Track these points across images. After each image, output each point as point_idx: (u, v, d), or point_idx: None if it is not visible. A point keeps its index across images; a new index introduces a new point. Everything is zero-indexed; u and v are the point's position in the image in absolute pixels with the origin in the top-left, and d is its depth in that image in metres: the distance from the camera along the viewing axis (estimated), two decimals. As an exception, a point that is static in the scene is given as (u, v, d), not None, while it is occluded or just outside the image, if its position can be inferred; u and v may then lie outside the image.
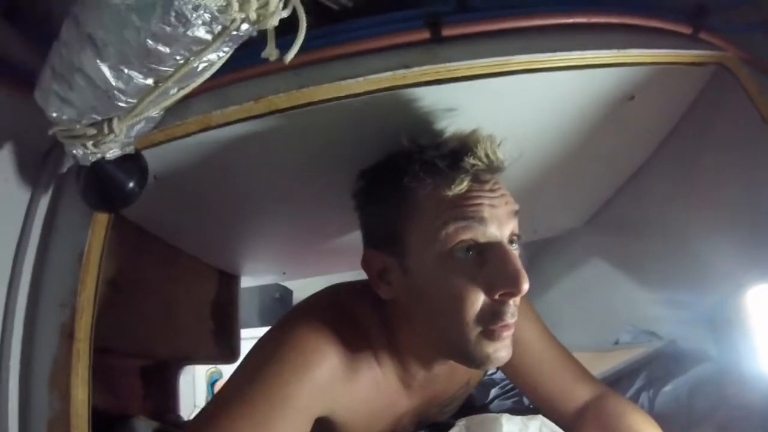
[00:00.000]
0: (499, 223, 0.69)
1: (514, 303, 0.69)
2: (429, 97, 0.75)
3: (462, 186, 0.68)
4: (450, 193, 0.68)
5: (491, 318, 0.68)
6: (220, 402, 0.69)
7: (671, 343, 1.15)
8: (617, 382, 1.08)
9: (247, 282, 1.51)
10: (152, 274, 1.14)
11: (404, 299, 0.74)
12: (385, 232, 0.74)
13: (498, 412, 1.05)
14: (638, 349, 1.17)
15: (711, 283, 1.05)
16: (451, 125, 0.79)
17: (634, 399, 1.02)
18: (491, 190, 0.71)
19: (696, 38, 0.80)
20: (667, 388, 0.99)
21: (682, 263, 1.13)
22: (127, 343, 1.05)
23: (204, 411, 0.70)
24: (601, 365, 1.16)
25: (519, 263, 0.68)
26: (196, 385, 2.18)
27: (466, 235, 0.67)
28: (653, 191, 1.17)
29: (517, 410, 1.06)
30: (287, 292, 2.39)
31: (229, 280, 1.42)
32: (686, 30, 0.79)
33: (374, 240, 0.77)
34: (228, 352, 1.43)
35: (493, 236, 0.69)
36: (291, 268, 1.46)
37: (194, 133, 0.72)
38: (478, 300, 0.68)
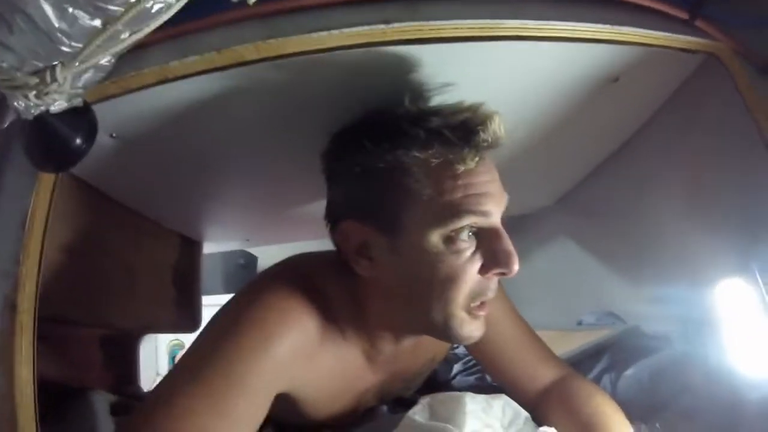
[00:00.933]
0: (498, 209, 0.68)
1: (497, 280, 0.71)
2: (409, 60, 0.70)
3: (472, 163, 0.65)
4: (461, 169, 0.65)
5: (477, 296, 0.69)
6: (175, 379, 0.65)
7: (635, 328, 1.15)
8: (579, 363, 1.08)
9: (209, 248, 1.46)
10: (111, 240, 1.09)
11: (386, 276, 0.71)
12: (373, 206, 0.69)
13: (461, 389, 1.04)
14: (601, 332, 1.17)
15: (680, 273, 1.04)
16: (434, 92, 0.75)
17: (596, 381, 1.01)
18: (490, 171, 0.69)
19: (691, 25, 0.77)
20: (629, 371, 0.99)
21: (652, 250, 1.13)
22: (85, 312, 1.00)
23: (158, 388, 0.66)
24: (564, 345, 1.15)
25: (511, 244, 0.69)
26: (158, 354, 2.13)
27: (473, 221, 0.66)
28: (629, 175, 1.16)
29: (480, 387, 1.05)
30: (252, 259, 2.34)
31: (191, 246, 1.38)
32: (683, 15, 0.76)
33: (355, 211, 0.71)
34: (189, 321, 1.40)
35: (494, 221, 0.68)
36: (255, 234, 1.43)
37: (151, 85, 0.66)
38: (473, 279, 0.68)
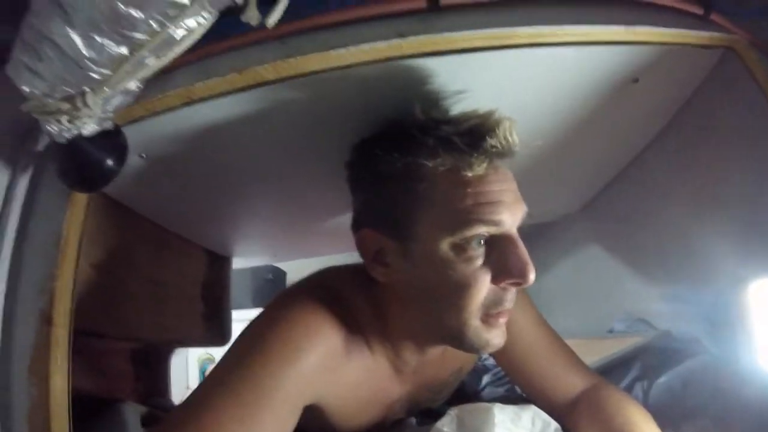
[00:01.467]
0: (512, 218, 0.67)
1: (515, 290, 0.69)
2: (426, 71, 0.71)
3: (480, 169, 0.65)
4: (469, 175, 0.65)
5: (493, 305, 0.68)
6: (205, 392, 0.66)
7: (666, 333, 1.14)
8: (611, 371, 1.06)
9: (238, 263, 1.48)
10: (141, 256, 1.11)
11: (401, 283, 0.72)
12: (387, 213, 0.70)
13: (490, 400, 1.04)
14: (632, 339, 1.15)
15: (709, 276, 1.03)
16: (450, 102, 0.76)
17: (628, 390, 1.00)
18: (504, 180, 0.68)
19: (706, 20, 0.77)
20: (662, 379, 0.97)
21: (679, 254, 1.11)
22: (116, 327, 1.03)
23: (188, 401, 0.67)
24: (594, 354, 1.14)
25: (526, 254, 0.67)
26: (188, 368, 2.16)
27: (484, 230, 0.66)
28: (653, 178, 1.14)
29: (510, 398, 1.04)
30: (280, 273, 2.37)
31: (219, 262, 1.39)
32: (697, 11, 0.76)
33: (372, 219, 0.73)
34: (219, 335, 1.41)
35: (507, 230, 0.67)
36: (282, 249, 1.44)
37: (177, 107, 0.68)
38: (485, 288, 0.67)
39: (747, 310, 0.85)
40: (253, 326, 0.72)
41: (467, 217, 0.65)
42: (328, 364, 0.71)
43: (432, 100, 0.75)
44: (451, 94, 0.75)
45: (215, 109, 0.71)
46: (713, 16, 0.77)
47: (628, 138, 1.10)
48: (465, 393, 1.12)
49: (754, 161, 0.87)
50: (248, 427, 0.63)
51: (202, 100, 0.67)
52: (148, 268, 1.13)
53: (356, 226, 0.76)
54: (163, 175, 0.89)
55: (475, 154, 0.65)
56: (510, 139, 0.66)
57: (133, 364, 1.17)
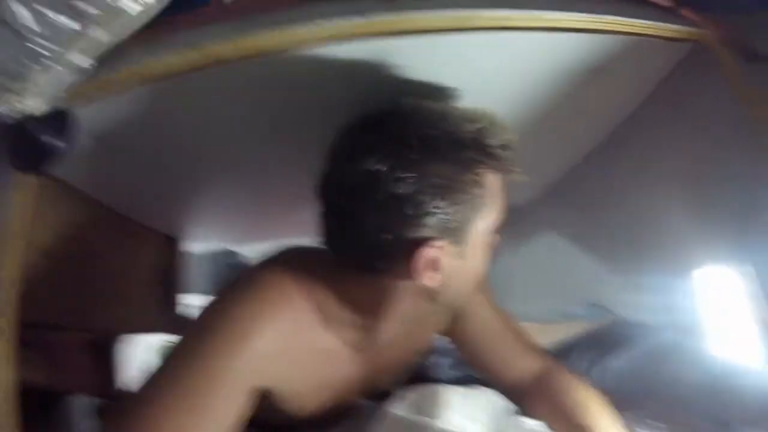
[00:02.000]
0: None
1: None
2: (385, 53, 0.70)
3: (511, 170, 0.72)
4: (506, 177, 0.73)
5: None
6: (154, 380, 0.65)
7: (621, 319, 1.17)
8: (566, 355, 1.09)
9: (195, 248, 1.45)
10: (94, 242, 1.08)
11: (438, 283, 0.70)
12: (450, 222, 0.67)
13: (447, 382, 1.05)
14: (588, 323, 1.18)
15: (663, 263, 1.06)
16: (409, 84, 0.75)
17: (583, 372, 1.02)
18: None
19: (676, 13, 0.77)
20: (616, 363, 1.00)
21: (638, 240, 1.13)
22: (69, 316, 1.01)
23: (137, 393, 0.65)
24: (550, 337, 1.17)
25: None
26: (150, 356, 2.11)
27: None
28: (616, 166, 1.16)
29: (468, 380, 1.05)
30: (241, 258, 2.33)
31: (175, 246, 1.36)
32: (667, 3, 0.77)
33: (434, 231, 0.67)
34: (176, 321, 1.38)
35: None
36: (241, 233, 1.41)
37: (130, 86, 0.65)
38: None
39: (702, 296, 0.87)
40: (205, 310, 0.70)
41: (493, 221, 0.72)
42: (282, 346, 0.69)
43: (392, 86, 0.73)
44: (419, 79, 0.74)
45: (170, 88, 0.68)
46: (683, 10, 0.77)
47: (593, 125, 1.11)
48: (423, 375, 1.13)
49: (719, 150, 0.89)
50: (198, 416, 0.62)
51: (158, 79, 0.64)
52: (101, 255, 1.10)
53: (406, 241, 0.68)
54: (117, 157, 0.86)
55: (508, 160, 0.71)
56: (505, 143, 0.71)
57: (90, 355, 1.13)
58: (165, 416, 0.61)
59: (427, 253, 0.67)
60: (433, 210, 0.66)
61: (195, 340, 0.66)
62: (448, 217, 0.67)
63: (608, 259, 1.25)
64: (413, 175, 0.65)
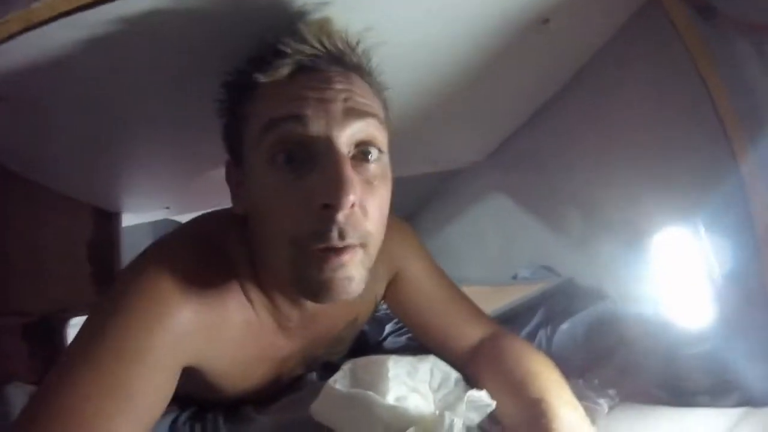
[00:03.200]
0: (327, 122, 0.59)
1: (347, 222, 0.58)
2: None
3: (278, 73, 0.60)
4: (267, 81, 0.60)
5: (315, 237, 0.58)
6: (66, 365, 0.58)
7: (569, 280, 1.15)
8: (515, 318, 1.07)
9: (130, 219, 1.37)
10: (12, 217, 1.00)
11: (247, 216, 0.67)
12: (230, 139, 0.68)
13: (392, 350, 1.02)
14: (536, 285, 1.16)
15: (615, 224, 1.02)
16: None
17: (532, 336, 1.00)
18: (325, 81, 0.61)
19: None
20: (565, 326, 0.97)
21: (586, 203, 1.11)
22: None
23: (48, 379, 0.58)
24: (499, 301, 1.14)
25: (346, 170, 0.58)
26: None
27: (286, 138, 0.59)
28: (561, 126, 1.13)
29: (412, 347, 1.02)
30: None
31: (107, 219, 1.29)
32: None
33: (228, 149, 0.69)
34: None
35: (319, 137, 0.59)
36: (175, 201, 1.33)
37: (19, 32, 0.58)
38: (294, 213, 0.58)
39: (654, 259, 0.85)
40: (116, 284, 0.63)
41: (264, 119, 0.60)
42: (202, 321, 0.64)
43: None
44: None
45: (65, 37, 0.62)
46: None
47: (538, 84, 1.07)
48: (367, 343, 1.10)
49: (664, 113, 0.86)
50: (119, 399, 0.56)
51: (44, 22, 0.58)
52: (21, 230, 1.02)
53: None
54: (27, 120, 0.80)
55: (272, 60, 0.60)
56: (323, 39, 0.61)
57: (25, 340, 1.07)
58: (83, 402, 0.55)
59: (227, 168, 0.70)
60: (222, 126, 0.69)
61: (107, 319, 0.59)
62: (227, 134, 0.68)
63: (555, 222, 1.23)
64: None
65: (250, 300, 0.70)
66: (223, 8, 0.63)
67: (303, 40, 0.60)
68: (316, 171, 0.58)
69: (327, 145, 0.59)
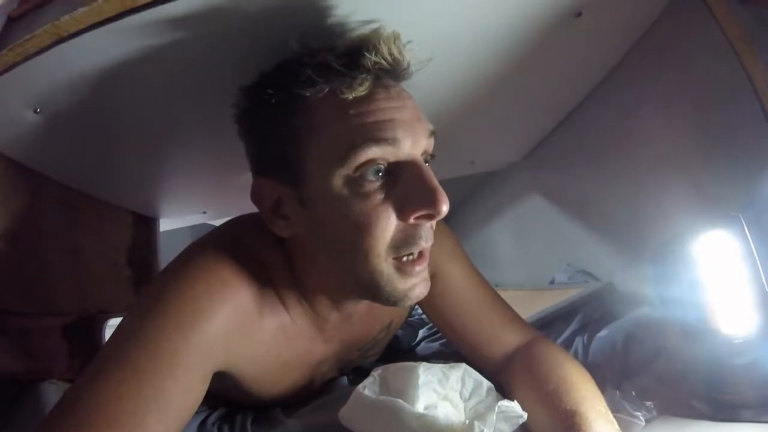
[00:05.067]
0: (412, 138, 0.61)
1: (431, 226, 0.64)
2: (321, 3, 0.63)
3: (363, 88, 0.59)
4: (349, 96, 0.59)
5: (404, 246, 0.61)
6: (100, 365, 0.59)
7: (608, 285, 1.11)
8: (551, 324, 1.04)
9: (167, 224, 1.40)
10: (52, 222, 1.02)
11: (305, 235, 0.66)
12: (277, 156, 0.64)
13: (425, 356, 1.00)
14: (574, 290, 1.13)
15: (656, 226, 0.99)
16: (346, 30, 0.68)
17: (568, 343, 0.98)
18: (399, 98, 0.61)
19: None
20: (603, 333, 0.94)
21: (626, 203, 1.07)
22: (34, 302, 0.96)
23: (83, 377, 0.59)
24: (536, 305, 1.12)
25: (435, 181, 0.61)
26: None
27: (377, 155, 0.59)
28: (597, 125, 1.10)
29: (445, 354, 1.01)
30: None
31: (145, 223, 1.31)
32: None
33: (264, 166, 0.67)
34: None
35: (407, 155, 0.61)
36: (212, 206, 1.35)
37: (47, 46, 0.60)
38: (390, 226, 0.61)
39: (695, 264, 0.81)
40: (151, 287, 0.64)
41: (354, 140, 0.59)
42: (236, 326, 0.65)
43: (320, 31, 0.66)
44: (359, 23, 0.67)
45: (97, 49, 0.63)
46: None
47: (573, 80, 1.04)
48: (399, 348, 1.09)
49: (712, 105, 0.82)
50: (151, 400, 0.57)
51: (72, 36, 0.59)
52: (61, 235, 1.05)
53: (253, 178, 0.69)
54: (64, 130, 0.81)
55: (355, 73, 0.59)
56: (395, 53, 0.60)
57: (66, 340, 1.09)
58: (116, 403, 0.56)
59: (257, 186, 0.66)
60: (257, 143, 0.67)
61: (142, 321, 0.60)
62: (270, 150, 0.65)
63: (593, 224, 1.20)
64: (247, 107, 0.67)
65: (285, 305, 0.71)
66: (251, 24, 0.63)
67: (379, 53, 0.59)
68: (403, 184, 0.61)
69: (413, 162, 0.61)
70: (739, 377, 0.72)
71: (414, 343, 1.12)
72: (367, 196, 0.60)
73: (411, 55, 0.63)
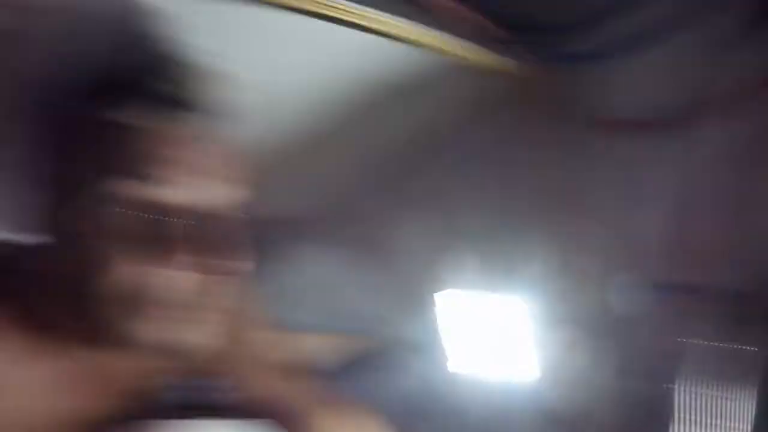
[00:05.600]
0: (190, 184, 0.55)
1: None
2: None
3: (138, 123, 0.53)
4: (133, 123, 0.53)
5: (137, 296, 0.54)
6: None
7: (391, 336, 1.16)
8: (338, 372, 1.05)
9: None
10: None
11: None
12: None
13: (194, 408, 0.93)
14: (359, 340, 1.16)
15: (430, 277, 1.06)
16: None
17: (354, 392, 0.99)
18: (186, 137, 0.55)
19: (508, 46, 0.76)
20: (385, 382, 0.98)
21: (401, 260, 1.15)
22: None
23: None
24: (325, 353, 1.11)
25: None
26: None
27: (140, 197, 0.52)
28: (384, 186, 1.17)
29: (221, 407, 0.94)
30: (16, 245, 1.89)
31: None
32: (501, 35, 0.75)
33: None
34: None
35: (183, 201, 0.54)
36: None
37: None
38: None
39: (441, 319, 0.89)
40: None
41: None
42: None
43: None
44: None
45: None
46: (516, 45, 0.77)
47: (386, 146, 1.09)
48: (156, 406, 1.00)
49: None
50: None
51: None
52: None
53: None
54: None
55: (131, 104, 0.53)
56: (192, 89, 0.56)
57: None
58: None
59: None
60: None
61: None
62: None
63: (378, 276, 1.24)
64: None
65: (47, 349, 0.59)
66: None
67: (168, 88, 0.54)
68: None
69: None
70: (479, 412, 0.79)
71: (183, 395, 1.04)
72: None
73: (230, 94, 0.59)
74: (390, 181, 1.17)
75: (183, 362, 0.79)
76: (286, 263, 1.48)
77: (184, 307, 0.55)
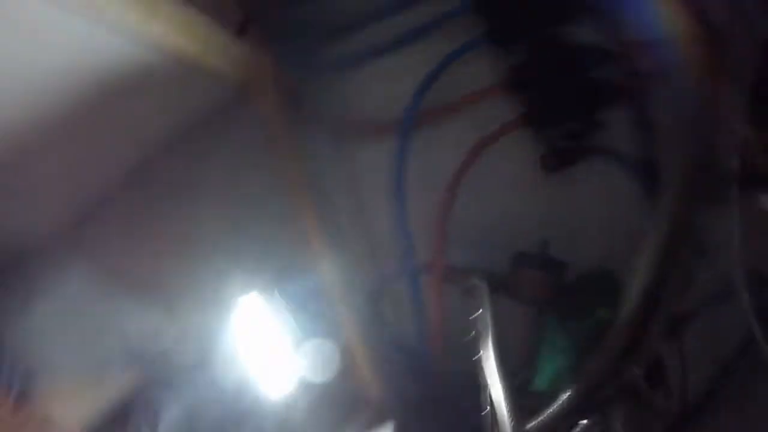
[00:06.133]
0: None
1: None
2: None
3: None
4: None
5: None
6: None
7: (164, 362, 1.07)
8: (112, 419, 0.94)
9: None
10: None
11: None
12: None
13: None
14: (131, 374, 1.07)
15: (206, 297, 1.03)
16: None
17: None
18: None
19: (241, 36, 0.71)
20: (168, 412, 0.90)
21: (174, 279, 1.09)
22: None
23: None
24: (90, 393, 1.03)
25: None
26: None
27: None
28: (143, 194, 1.08)
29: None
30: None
31: None
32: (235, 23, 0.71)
33: None
34: None
35: None
36: None
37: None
38: None
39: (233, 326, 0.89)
40: None
41: None
42: None
43: None
44: None
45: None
46: (250, 35, 0.72)
47: (119, 152, 0.99)
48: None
49: (236, 189, 0.94)
50: None
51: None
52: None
53: None
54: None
55: None
56: None
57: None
58: None
59: None
60: None
61: None
62: None
63: (146, 299, 1.16)
64: None
65: None
66: None
67: None
68: None
69: None
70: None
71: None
72: None
73: None
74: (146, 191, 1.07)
75: None
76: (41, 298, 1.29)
77: None
